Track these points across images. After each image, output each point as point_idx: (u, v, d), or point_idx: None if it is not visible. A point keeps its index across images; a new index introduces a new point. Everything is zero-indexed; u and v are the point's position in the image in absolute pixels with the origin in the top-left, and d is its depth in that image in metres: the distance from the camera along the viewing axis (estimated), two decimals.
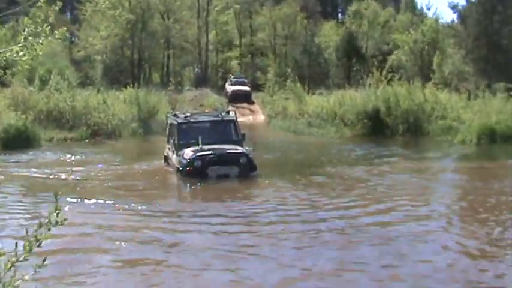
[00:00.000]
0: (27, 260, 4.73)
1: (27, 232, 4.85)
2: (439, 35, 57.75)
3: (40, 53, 5.21)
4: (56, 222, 4.65)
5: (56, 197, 4.73)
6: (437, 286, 9.82)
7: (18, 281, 4.83)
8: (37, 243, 4.67)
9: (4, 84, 35.72)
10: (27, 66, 5.32)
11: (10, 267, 4.72)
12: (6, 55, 5.01)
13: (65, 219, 4.70)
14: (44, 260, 4.74)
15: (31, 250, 4.74)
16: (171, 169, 21.98)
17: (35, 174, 21.11)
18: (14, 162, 24.62)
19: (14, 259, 4.76)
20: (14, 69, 5.55)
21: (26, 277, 4.79)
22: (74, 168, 22.45)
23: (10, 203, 16.62)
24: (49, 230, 4.82)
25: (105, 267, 10.76)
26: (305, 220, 14.43)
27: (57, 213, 4.64)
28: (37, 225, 4.84)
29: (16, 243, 4.75)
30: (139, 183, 20.11)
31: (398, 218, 14.58)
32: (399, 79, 39.78)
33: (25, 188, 19.05)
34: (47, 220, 4.82)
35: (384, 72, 40.13)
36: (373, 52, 68.64)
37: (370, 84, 38.64)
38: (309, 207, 15.93)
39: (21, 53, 5.13)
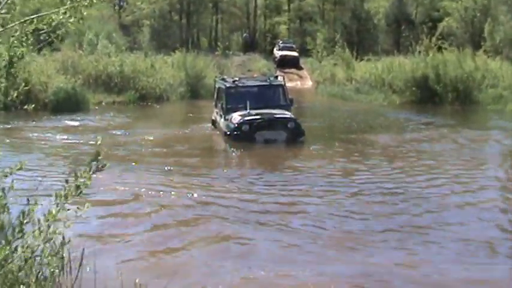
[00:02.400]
0: (65, 208, 4.77)
1: (67, 181, 4.89)
2: (491, 2, 56.68)
3: (85, 14, 5.20)
4: (97, 169, 4.67)
5: (98, 150, 4.74)
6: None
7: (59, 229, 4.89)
8: (78, 192, 4.71)
9: (54, 49, 35.99)
10: (73, 28, 5.32)
11: (53, 216, 4.76)
12: (53, 17, 5.01)
13: (105, 165, 4.71)
14: (86, 206, 4.77)
15: (67, 198, 4.79)
16: (219, 133, 22.02)
17: (80, 139, 21.16)
18: (62, 125, 24.83)
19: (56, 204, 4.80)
20: (59, 32, 5.52)
21: (68, 223, 4.85)
22: (120, 132, 22.67)
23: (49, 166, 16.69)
24: (89, 178, 4.85)
25: (147, 231, 10.78)
26: (351, 190, 14.33)
27: (97, 161, 4.67)
28: (76, 173, 4.87)
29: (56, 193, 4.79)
30: (185, 147, 20.16)
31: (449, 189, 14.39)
32: (449, 46, 39.19)
33: (67, 151, 19.04)
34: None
35: (434, 39, 39.61)
36: (423, 19, 67.73)
37: (419, 51, 38.16)
38: (355, 176, 15.76)
39: (67, 15, 5.13)
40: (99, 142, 4.91)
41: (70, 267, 6.78)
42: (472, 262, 9.27)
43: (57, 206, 4.85)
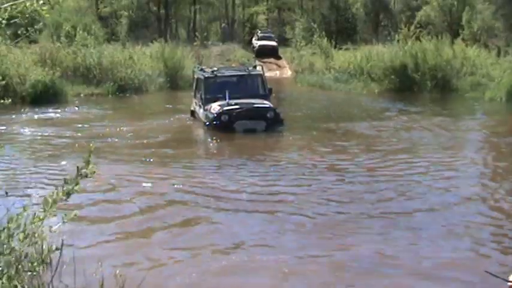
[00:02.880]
0: (55, 214, 4.75)
1: (56, 187, 4.87)
2: None
3: (60, 1, 5.16)
4: (86, 175, 4.66)
5: (89, 151, 4.73)
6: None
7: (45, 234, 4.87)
8: (66, 197, 4.69)
9: (32, 41, 35.76)
10: (48, 16, 5.26)
11: (41, 220, 4.74)
12: (27, 4, 4.96)
13: (94, 172, 4.70)
14: (75, 214, 4.76)
15: (55, 203, 4.75)
16: (198, 123, 22.00)
17: (59, 132, 21.07)
18: (41, 118, 24.70)
19: (42, 212, 4.77)
20: (37, 27, 5.48)
21: (54, 228, 4.83)
22: (98, 124, 22.61)
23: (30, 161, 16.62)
24: (77, 184, 4.83)
25: (127, 223, 10.78)
26: (332, 178, 14.41)
27: (88, 166, 4.65)
28: (65, 180, 4.85)
29: (46, 196, 4.77)
30: (164, 137, 20.11)
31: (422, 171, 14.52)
32: (428, 35, 39.31)
33: (45, 145, 18.90)
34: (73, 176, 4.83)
35: (412, 28, 39.78)
36: (401, 7, 67.98)
37: (398, 40, 38.30)
38: (332, 164, 15.86)
39: (41, 2, 5.07)
40: (92, 149, 4.88)
41: (50, 259, 6.76)
42: (455, 246, 9.35)
43: (44, 211, 4.82)
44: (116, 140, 19.40)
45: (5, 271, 4.93)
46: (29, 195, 11.67)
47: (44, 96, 28.91)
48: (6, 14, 4.98)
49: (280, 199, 12.23)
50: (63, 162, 15.46)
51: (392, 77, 35.23)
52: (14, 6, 4.88)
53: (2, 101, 6.64)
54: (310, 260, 8.87)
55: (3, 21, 5.07)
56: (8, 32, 5.27)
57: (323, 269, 8.52)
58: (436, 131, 21.10)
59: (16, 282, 5.16)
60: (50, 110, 26.41)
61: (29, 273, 5.35)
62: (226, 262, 8.76)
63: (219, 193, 12.58)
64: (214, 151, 18.99)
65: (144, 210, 11.38)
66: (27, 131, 21.34)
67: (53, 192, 4.74)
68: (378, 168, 15.11)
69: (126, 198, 12.12)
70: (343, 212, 11.21)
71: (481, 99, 30.36)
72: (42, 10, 4.97)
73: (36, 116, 24.92)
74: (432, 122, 23.07)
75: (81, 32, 38.04)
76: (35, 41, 36.45)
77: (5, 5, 4.96)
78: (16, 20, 5.08)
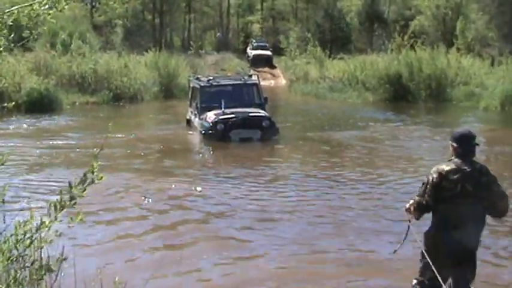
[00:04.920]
0: (59, 220, 4.75)
1: (61, 192, 4.86)
2: (462, 0, 57.14)
3: (66, 7, 5.15)
4: (93, 180, 4.65)
5: (96, 155, 4.72)
6: None
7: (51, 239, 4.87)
8: (72, 203, 4.67)
9: (27, 49, 35.75)
10: (53, 20, 5.26)
11: (47, 226, 4.73)
12: (34, 7, 4.95)
13: (102, 177, 4.69)
14: (81, 218, 4.74)
15: (63, 209, 4.75)
16: (194, 132, 22.00)
17: (56, 141, 21.02)
18: (35, 127, 24.65)
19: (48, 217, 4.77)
20: (39, 29, 5.48)
21: (58, 233, 4.82)
22: (94, 133, 22.57)
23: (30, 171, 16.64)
24: (84, 190, 4.81)
25: (125, 230, 10.79)
26: (328, 184, 14.45)
27: (94, 171, 4.64)
28: (70, 184, 4.84)
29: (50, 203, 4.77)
30: (160, 147, 20.14)
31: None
32: (422, 44, 39.42)
33: (40, 154, 18.80)
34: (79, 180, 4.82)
35: (406, 37, 39.91)
36: (395, 17, 68.20)
37: (392, 50, 38.43)
38: (330, 172, 15.90)
39: (46, 6, 5.07)
40: (96, 152, 4.87)
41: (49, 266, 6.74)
42: None
43: (49, 216, 4.81)
44: (112, 149, 19.34)
45: (11, 278, 4.93)
46: (27, 204, 11.63)
47: (39, 105, 28.85)
48: (13, 17, 4.98)
49: (277, 204, 12.32)
50: (58, 172, 15.45)
51: (387, 86, 35.30)
52: (21, 9, 4.88)
53: (4, 104, 6.62)
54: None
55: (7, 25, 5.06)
56: (10, 37, 5.25)
57: (325, 277, 8.54)
58: (430, 140, 21.19)
59: None
60: (45, 118, 26.35)
61: (35, 280, 5.33)
62: (228, 272, 8.78)
63: (217, 203, 12.63)
64: (210, 160, 18.96)
65: (142, 219, 11.42)
66: (19, 141, 21.21)
67: (59, 198, 4.74)
68: (372, 175, 15.19)
69: (123, 208, 12.14)
70: (339, 220, 11.25)
71: (476, 109, 30.45)
72: (48, 14, 4.97)
73: (29, 125, 24.81)
74: (426, 131, 23.18)
75: (75, 40, 38.09)
76: (29, 49, 36.45)
77: (13, 8, 4.97)
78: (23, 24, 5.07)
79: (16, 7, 4.97)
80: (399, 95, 34.66)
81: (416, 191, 6.51)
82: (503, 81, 31.45)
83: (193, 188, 13.53)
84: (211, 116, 20.52)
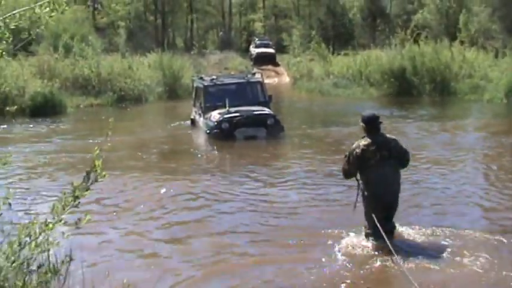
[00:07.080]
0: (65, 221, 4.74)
1: (64, 193, 4.85)
2: None
3: (67, 9, 5.14)
4: (96, 178, 4.64)
5: (98, 152, 4.70)
6: None
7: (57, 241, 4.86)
8: (76, 202, 4.67)
9: (30, 53, 35.76)
10: (53, 23, 5.24)
11: (51, 228, 4.72)
12: (36, 10, 4.94)
13: (105, 175, 4.68)
14: (88, 218, 4.73)
15: (64, 209, 4.74)
16: (199, 132, 21.99)
17: (60, 144, 21.02)
18: (39, 131, 24.65)
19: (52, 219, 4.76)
20: (39, 30, 5.45)
21: (65, 235, 4.81)
22: (99, 135, 22.51)
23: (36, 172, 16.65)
24: (87, 190, 4.81)
25: (133, 231, 10.77)
26: (336, 180, 14.41)
27: (96, 169, 4.63)
28: (73, 184, 4.83)
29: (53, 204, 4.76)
30: (165, 147, 20.18)
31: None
32: (425, 38, 39.31)
33: (44, 158, 18.75)
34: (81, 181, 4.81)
35: (409, 31, 39.81)
36: (397, 12, 68.06)
37: (395, 44, 38.36)
38: (334, 171, 15.86)
39: (48, 9, 5.06)
40: (96, 152, 4.86)
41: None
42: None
43: (54, 218, 4.80)
44: (118, 150, 19.34)
45: (17, 282, 4.92)
46: (32, 208, 11.65)
47: (44, 108, 28.84)
48: (15, 20, 4.96)
49: (286, 206, 12.22)
50: (62, 176, 15.45)
51: (392, 80, 35.24)
52: (23, 12, 4.87)
53: (7, 108, 6.63)
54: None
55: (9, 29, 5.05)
56: (10, 40, 5.23)
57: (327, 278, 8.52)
58: (435, 133, 21.16)
59: None
60: (49, 122, 26.34)
61: (41, 284, 5.33)
62: (237, 274, 8.74)
63: (224, 202, 12.62)
64: (216, 159, 18.95)
65: (150, 219, 11.39)
66: (25, 144, 21.19)
67: (62, 199, 4.73)
68: None
69: (130, 207, 12.13)
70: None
71: (480, 101, 30.44)
72: (50, 17, 4.96)
73: (33, 129, 24.80)
74: (430, 124, 23.17)
75: (78, 43, 38.08)
76: (32, 53, 36.47)
77: (15, 11, 4.95)
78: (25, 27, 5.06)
79: (17, 10, 4.95)
80: (403, 90, 34.57)
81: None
82: (507, 73, 31.39)
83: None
84: (215, 115, 20.51)
